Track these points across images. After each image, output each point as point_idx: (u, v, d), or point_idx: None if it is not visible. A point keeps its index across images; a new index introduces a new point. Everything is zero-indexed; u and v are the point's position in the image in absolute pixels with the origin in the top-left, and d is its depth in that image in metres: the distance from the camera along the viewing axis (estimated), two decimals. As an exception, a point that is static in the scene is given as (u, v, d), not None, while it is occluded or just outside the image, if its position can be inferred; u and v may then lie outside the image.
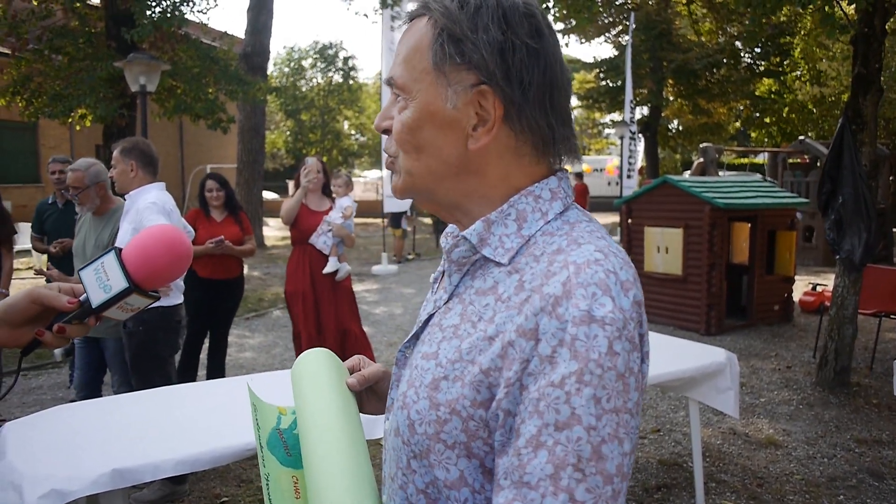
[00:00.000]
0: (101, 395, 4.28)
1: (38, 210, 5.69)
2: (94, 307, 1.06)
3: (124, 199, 3.85)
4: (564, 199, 0.96)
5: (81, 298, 1.07)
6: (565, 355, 0.79)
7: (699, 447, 3.83)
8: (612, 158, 30.43)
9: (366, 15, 49.36)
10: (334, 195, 5.39)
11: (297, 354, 5.29)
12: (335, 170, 5.48)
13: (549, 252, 0.89)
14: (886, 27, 5.37)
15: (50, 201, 5.62)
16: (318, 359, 1.18)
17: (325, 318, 5.19)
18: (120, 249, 1.08)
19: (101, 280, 1.06)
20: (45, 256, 5.89)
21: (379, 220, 28.78)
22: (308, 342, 5.19)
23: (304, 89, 30.99)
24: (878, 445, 4.63)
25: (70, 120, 10.98)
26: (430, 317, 1.00)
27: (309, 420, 1.07)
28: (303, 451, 1.05)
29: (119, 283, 1.05)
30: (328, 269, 5.16)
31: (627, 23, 20.41)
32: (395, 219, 15.24)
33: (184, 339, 4.92)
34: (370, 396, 1.19)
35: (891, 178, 18.82)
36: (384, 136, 1.02)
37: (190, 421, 2.77)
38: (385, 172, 12.16)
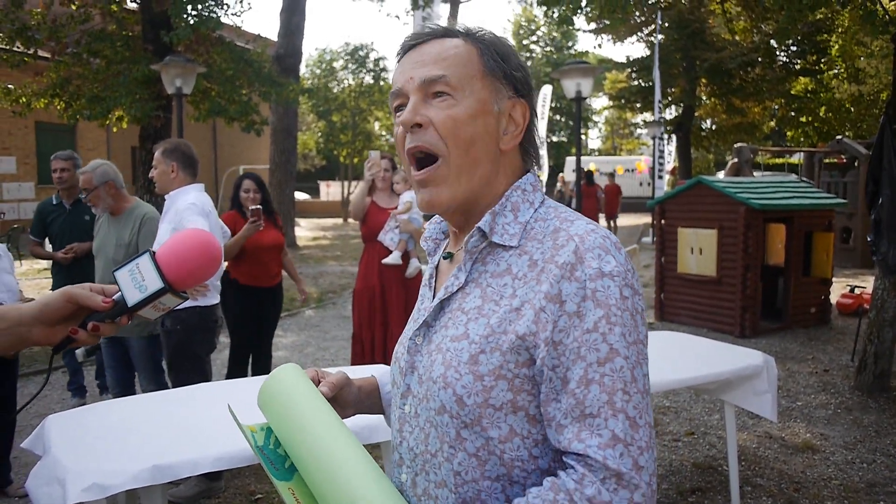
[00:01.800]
0: (134, 393, 4.35)
1: (41, 211, 5.18)
2: (129, 306, 1.12)
3: (164, 199, 3.91)
4: (541, 189, 1.17)
5: (115, 297, 1.12)
6: (590, 306, 0.99)
7: (735, 450, 3.78)
8: (643, 158, 30.13)
9: (397, 16, 49.69)
10: (395, 191, 5.23)
11: (353, 356, 5.26)
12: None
13: (549, 233, 1.08)
14: (929, 24, 5.26)
15: (54, 202, 5.18)
16: (290, 374, 1.22)
17: (393, 317, 5.03)
18: (153, 252, 1.14)
19: (136, 280, 1.12)
20: (48, 262, 5.34)
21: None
22: (363, 344, 5.11)
23: (334, 90, 31.14)
24: (920, 451, 4.53)
25: (107, 122, 11.19)
26: (443, 304, 1.13)
27: (312, 428, 1.12)
28: (310, 458, 1.09)
29: (154, 283, 1.11)
30: (388, 260, 4.99)
31: (663, 23, 20.22)
32: None
33: (228, 348, 4.91)
34: (331, 403, 1.25)
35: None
36: (408, 135, 1.11)
37: (228, 418, 2.81)
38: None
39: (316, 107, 30.25)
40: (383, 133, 37.14)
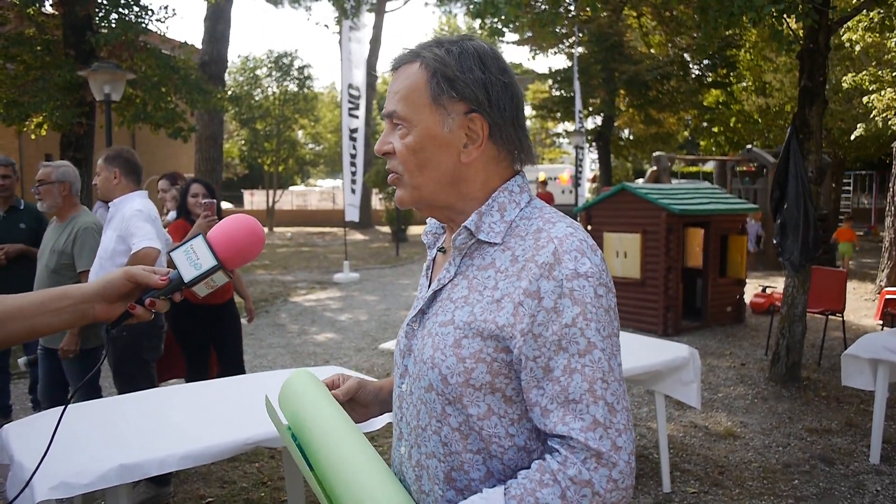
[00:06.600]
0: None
1: None
2: (186, 282, 1.26)
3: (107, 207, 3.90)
4: (528, 191, 1.27)
5: (171, 276, 1.26)
6: (567, 303, 1.10)
7: (665, 437, 4.06)
8: (566, 167, 30.86)
9: (326, 25, 49.70)
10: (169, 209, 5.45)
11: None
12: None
13: (531, 231, 1.18)
14: (830, 43, 5.72)
15: None
16: (299, 381, 1.38)
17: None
18: (204, 234, 1.29)
19: (191, 259, 1.26)
20: None
21: (336, 229, 28.73)
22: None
23: (258, 98, 30.73)
24: (828, 434, 4.93)
25: (24, 128, 10.80)
26: (436, 294, 1.25)
27: (323, 430, 1.26)
28: (322, 456, 1.22)
29: (208, 261, 1.26)
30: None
31: (581, 35, 20.86)
32: None
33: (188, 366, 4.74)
34: (353, 406, 1.43)
35: (833, 185, 19.58)
36: (389, 159, 1.28)
37: (190, 419, 2.87)
38: (339, 182, 12.33)
39: (239, 114, 29.79)
40: (308, 142, 36.85)
